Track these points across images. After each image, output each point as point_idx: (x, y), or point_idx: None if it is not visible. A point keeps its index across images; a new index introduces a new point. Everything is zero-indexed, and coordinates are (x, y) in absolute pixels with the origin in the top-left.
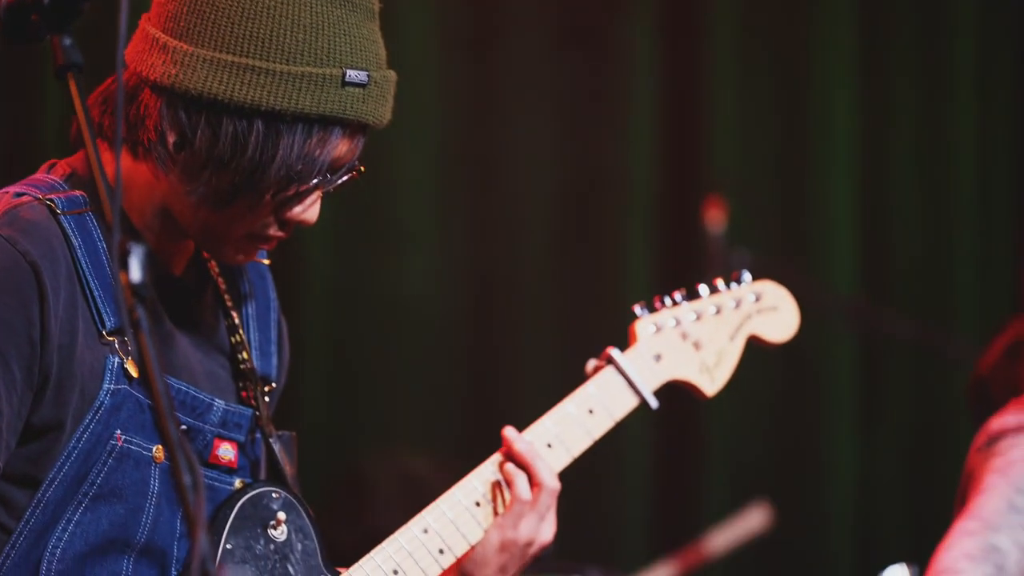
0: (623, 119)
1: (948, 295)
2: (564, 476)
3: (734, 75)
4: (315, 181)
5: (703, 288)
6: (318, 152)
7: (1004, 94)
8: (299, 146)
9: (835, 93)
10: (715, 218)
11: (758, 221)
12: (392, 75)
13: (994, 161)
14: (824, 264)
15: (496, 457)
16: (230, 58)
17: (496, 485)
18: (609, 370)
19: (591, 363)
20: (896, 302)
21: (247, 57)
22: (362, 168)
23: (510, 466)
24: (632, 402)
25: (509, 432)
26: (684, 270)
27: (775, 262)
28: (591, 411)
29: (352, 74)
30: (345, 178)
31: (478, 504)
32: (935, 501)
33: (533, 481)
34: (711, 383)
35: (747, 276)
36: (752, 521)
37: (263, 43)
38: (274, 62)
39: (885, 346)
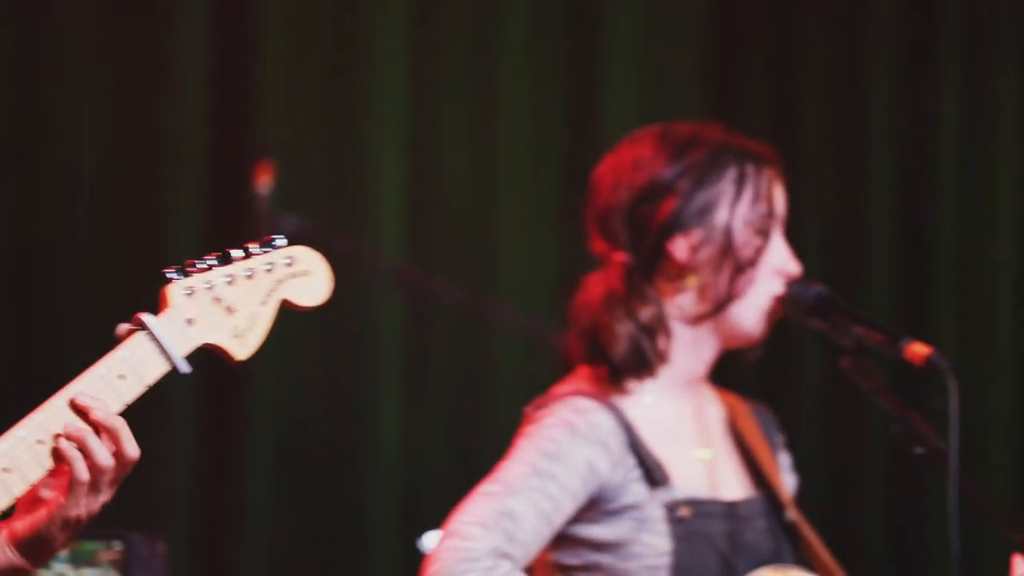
0: (174, 83)
1: (494, 262)
2: None
3: (285, 37)
4: None
5: (236, 252)
6: None
7: (555, 58)
8: None
9: (386, 58)
10: (264, 183)
11: (307, 186)
12: None
13: (546, 127)
14: (373, 230)
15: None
16: None
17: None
18: (140, 334)
19: (123, 327)
20: (443, 269)
21: None
22: None
23: (84, 434)
24: (163, 367)
25: (81, 399)
26: (234, 236)
27: (323, 227)
28: (122, 376)
29: None
30: None
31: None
32: (480, 469)
33: (117, 450)
34: (242, 348)
35: (281, 240)
36: None
37: None
38: None
39: (432, 312)
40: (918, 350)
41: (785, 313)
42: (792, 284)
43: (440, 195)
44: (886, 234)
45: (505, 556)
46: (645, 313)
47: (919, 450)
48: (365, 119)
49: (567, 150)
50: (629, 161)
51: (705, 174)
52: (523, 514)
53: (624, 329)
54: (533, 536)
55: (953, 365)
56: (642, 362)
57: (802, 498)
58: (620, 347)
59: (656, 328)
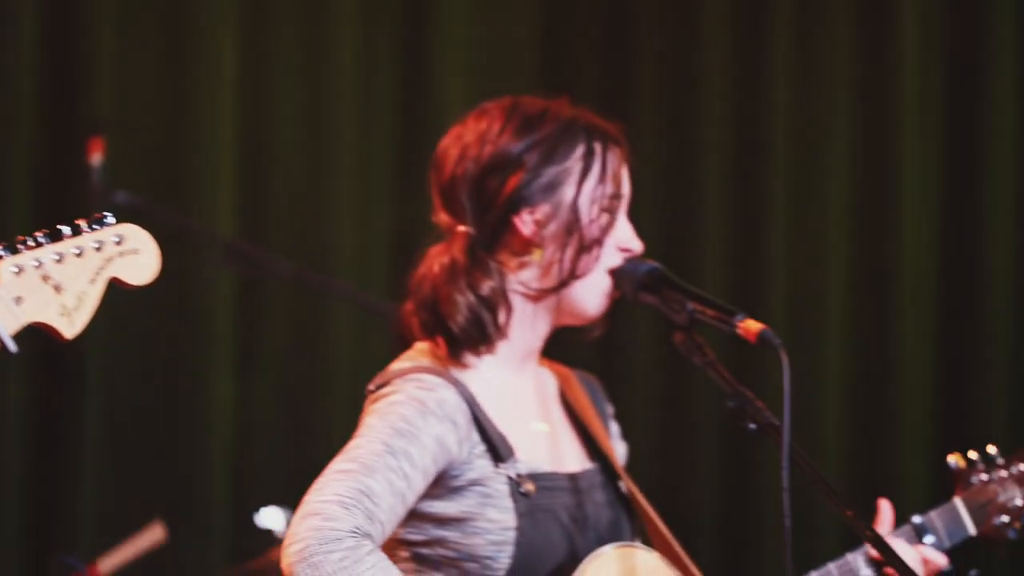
0: (3, 57)
1: (326, 236)
2: None
3: (115, 13)
4: None
5: (66, 229)
6: None
7: (388, 31)
8: None
9: (216, 33)
10: (95, 158)
11: (139, 161)
12: None
13: (378, 100)
14: (205, 204)
15: None
16: None
17: None
18: None
19: None
20: (276, 243)
21: None
22: None
23: None
24: None
25: None
26: (64, 212)
27: (155, 203)
28: None
29: None
30: None
31: None
32: (314, 443)
33: None
34: (70, 326)
35: (110, 218)
36: (147, 539)
37: None
38: None
39: (265, 286)
40: (751, 326)
41: (618, 288)
42: (625, 259)
43: (272, 169)
44: (719, 210)
45: (366, 535)
46: (486, 286)
47: (752, 426)
48: (196, 94)
49: (399, 123)
50: (477, 134)
51: (554, 150)
52: (381, 493)
53: (464, 301)
54: (390, 515)
55: (786, 342)
56: (482, 335)
57: (637, 472)
58: (460, 318)
59: (497, 302)
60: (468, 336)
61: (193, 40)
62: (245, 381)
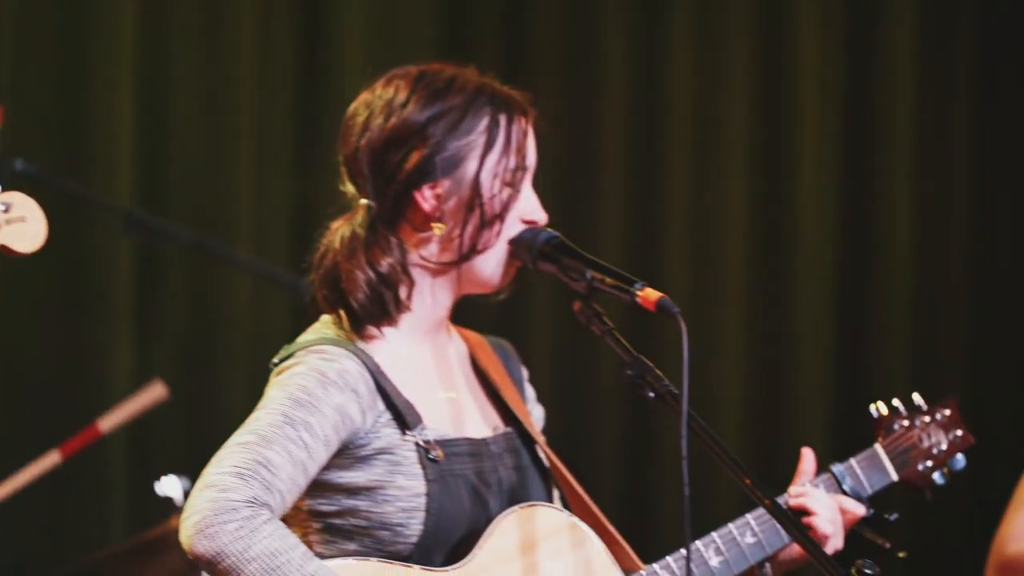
0: None
1: (226, 205)
2: None
3: None
4: None
5: None
6: None
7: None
8: None
9: (114, 7)
10: None
11: (36, 129)
12: None
13: (276, 68)
14: (104, 174)
15: None
16: None
17: None
18: None
19: None
20: (175, 212)
21: None
22: None
23: None
24: None
25: None
26: None
27: (54, 171)
28: None
29: None
30: None
31: None
32: (214, 412)
33: None
34: None
35: None
36: (148, 397)
37: None
38: None
39: (163, 256)
40: (649, 295)
41: (517, 257)
42: (524, 229)
43: (171, 138)
44: (617, 178)
45: (264, 505)
46: (385, 262)
47: (651, 394)
48: (94, 63)
49: (298, 92)
50: (383, 102)
51: (457, 123)
52: (279, 463)
53: (364, 277)
54: (290, 485)
55: (684, 310)
56: (382, 311)
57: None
58: (360, 295)
59: (397, 278)
60: (368, 312)
61: (91, 9)
62: (144, 351)
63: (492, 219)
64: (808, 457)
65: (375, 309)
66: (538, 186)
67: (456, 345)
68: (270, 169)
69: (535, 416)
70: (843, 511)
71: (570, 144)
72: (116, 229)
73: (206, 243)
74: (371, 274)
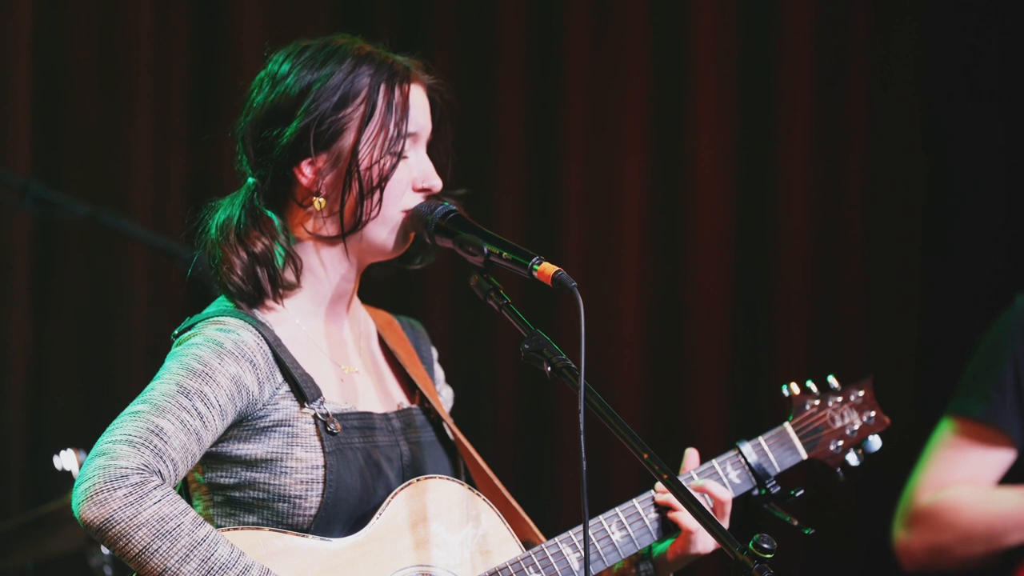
0: None
1: (122, 177)
2: None
3: None
4: None
5: None
6: None
7: None
8: None
9: None
10: None
11: None
12: None
13: (173, 42)
14: (0, 146)
15: None
16: None
17: None
18: None
19: None
20: (70, 183)
21: None
22: None
23: None
24: None
25: None
26: None
27: None
28: None
29: None
30: None
31: None
32: (111, 384)
33: None
34: None
35: None
36: None
37: None
38: None
39: (61, 228)
40: (546, 269)
41: (413, 230)
42: (421, 202)
43: (68, 110)
44: (515, 152)
45: (155, 473)
46: (260, 243)
47: (548, 368)
48: None
49: (195, 63)
50: (268, 78)
51: (334, 96)
52: (172, 432)
53: (239, 260)
54: (182, 454)
55: (582, 285)
56: (258, 291)
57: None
58: (235, 277)
59: (271, 257)
60: (244, 293)
61: None
62: (40, 322)
63: (371, 189)
64: (692, 457)
65: (250, 290)
66: (434, 155)
67: (363, 322)
68: (167, 141)
69: (443, 396)
70: (712, 497)
71: (467, 117)
72: (13, 201)
73: (102, 214)
74: (244, 256)
